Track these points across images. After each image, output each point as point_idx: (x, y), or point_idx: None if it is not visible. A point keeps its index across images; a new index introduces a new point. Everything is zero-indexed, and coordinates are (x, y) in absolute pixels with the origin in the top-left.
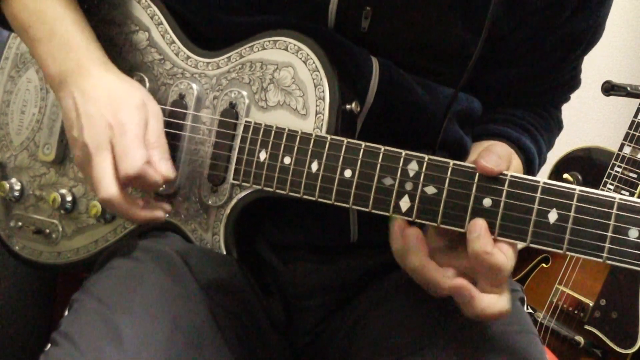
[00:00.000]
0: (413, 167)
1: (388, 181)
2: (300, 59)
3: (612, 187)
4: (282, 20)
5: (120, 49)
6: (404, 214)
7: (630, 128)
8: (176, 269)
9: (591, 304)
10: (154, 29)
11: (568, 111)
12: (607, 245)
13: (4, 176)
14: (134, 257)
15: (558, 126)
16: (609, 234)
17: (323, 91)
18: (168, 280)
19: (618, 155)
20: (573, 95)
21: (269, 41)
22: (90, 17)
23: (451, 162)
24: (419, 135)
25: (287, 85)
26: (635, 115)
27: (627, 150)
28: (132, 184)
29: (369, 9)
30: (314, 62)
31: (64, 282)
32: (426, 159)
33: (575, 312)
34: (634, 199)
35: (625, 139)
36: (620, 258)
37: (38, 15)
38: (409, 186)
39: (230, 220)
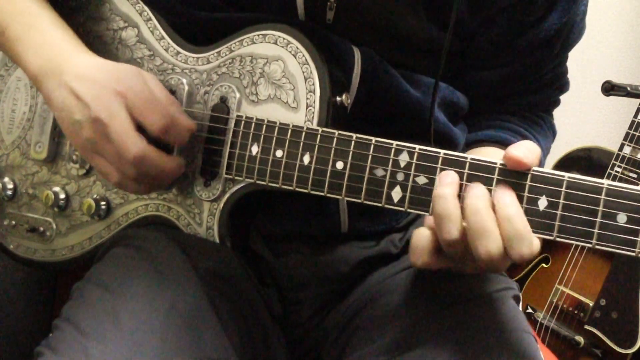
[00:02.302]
0: (404, 157)
1: (379, 172)
2: (290, 52)
3: None
4: (260, 16)
5: (109, 46)
6: (396, 204)
7: (630, 128)
8: (174, 256)
9: (591, 304)
10: (143, 25)
11: (568, 111)
12: (596, 230)
13: None
14: (133, 245)
15: (552, 131)
16: (598, 219)
17: (313, 84)
18: (166, 267)
19: (618, 155)
20: (573, 95)
21: (258, 35)
22: (78, 14)
23: (442, 152)
24: (406, 124)
25: (278, 79)
26: (635, 115)
27: (627, 150)
28: (164, 136)
29: (333, 0)
30: (303, 55)
31: (64, 282)
32: (417, 150)
33: (575, 312)
34: (622, 184)
35: (625, 139)
36: (609, 243)
37: (14, 16)
38: (400, 177)
39: (224, 214)
